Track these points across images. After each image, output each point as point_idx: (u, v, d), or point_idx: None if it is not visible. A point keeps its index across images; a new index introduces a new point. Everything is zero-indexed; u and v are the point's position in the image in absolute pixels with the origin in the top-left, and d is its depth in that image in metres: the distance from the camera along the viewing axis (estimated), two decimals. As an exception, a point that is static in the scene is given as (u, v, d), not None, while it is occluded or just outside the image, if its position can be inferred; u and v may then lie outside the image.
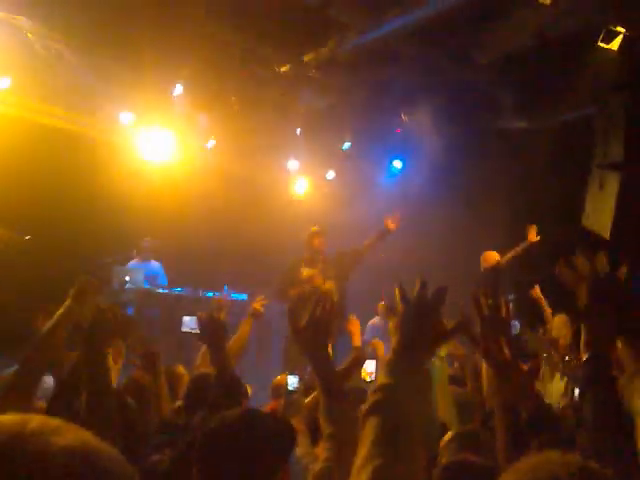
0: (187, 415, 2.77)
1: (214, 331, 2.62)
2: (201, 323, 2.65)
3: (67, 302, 2.23)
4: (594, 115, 6.40)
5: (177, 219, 7.80)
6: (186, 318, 3.65)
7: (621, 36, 5.19)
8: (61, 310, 2.21)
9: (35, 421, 0.68)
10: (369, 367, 4.09)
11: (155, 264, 8.00)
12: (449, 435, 2.40)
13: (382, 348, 4.22)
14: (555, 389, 4.45)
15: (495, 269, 6.81)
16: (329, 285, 6.38)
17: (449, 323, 1.39)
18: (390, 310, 1.46)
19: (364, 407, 1.16)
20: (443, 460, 2.16)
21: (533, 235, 6.68)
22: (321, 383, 1.87)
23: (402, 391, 1.15)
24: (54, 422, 0.70)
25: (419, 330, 1.30)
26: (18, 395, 2.05)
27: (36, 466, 0.64)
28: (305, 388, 3.64)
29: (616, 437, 1.80)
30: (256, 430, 2.05)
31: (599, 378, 1.89)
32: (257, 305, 4.15)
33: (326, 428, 1.79)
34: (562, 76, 6.75)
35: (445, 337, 1.38)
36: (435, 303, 1.35)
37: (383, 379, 1.19)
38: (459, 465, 1.94)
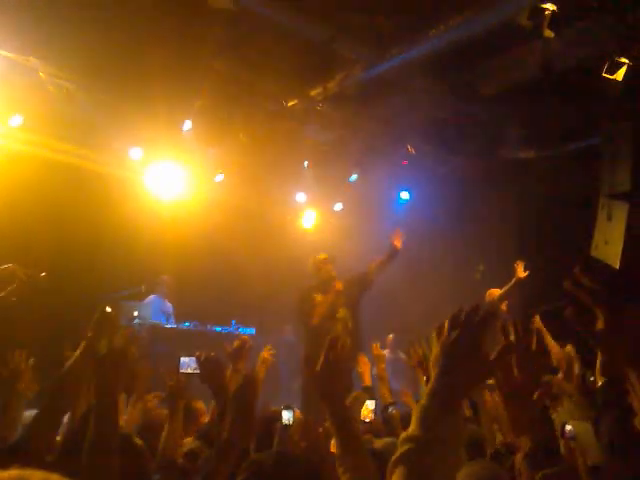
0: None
1: (214, 372, 2.57)
2: (200, 364, 2.60)
3: (88, 335, 2.23)
4: (600, 145, 6.42)
5: (185, 253, 7.82)
6: (184, 359, 3.58)
7: (625, 67, 5.22)
8: (83, 344, 2.22)
9: (36, 476, 0.69)
10: (370, 405, 4.04)
11: (169, 305, 8.01)
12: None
13: (411, 400, 4.21)
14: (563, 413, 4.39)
15: (498, 302, 6.77)
16: (342, 312, 6.35)
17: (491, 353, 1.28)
18: (437, 334, 1.37)
19: (394, 457, 1.11)
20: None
21: (521, 271, 6.72)
22: (336, 428, 1.85)
23: (433, 443, 1.09)
24: (54, 477, 0.70)
25: (461, 365, 1.20)
26: (44, 429, 2.05)
27: None
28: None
29: (633, 461, 1.76)
30: (290, 473, 2.05)
31: (616, 402, 1.86)
32: (266, 354, 4.14)
33: (341, 474, 1.76)
34: (568, 106, 6.80)
35: (490, 369, 1.28)
36: (481, 330, 1.23)
37: (415, 429, 1.12)
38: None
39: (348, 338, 6.22)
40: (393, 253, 6.52)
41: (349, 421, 1.88)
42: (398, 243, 6.49)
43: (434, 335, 1.27)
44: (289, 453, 2.72)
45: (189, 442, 3.41)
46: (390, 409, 4.02)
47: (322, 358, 1.96)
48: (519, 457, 1.70)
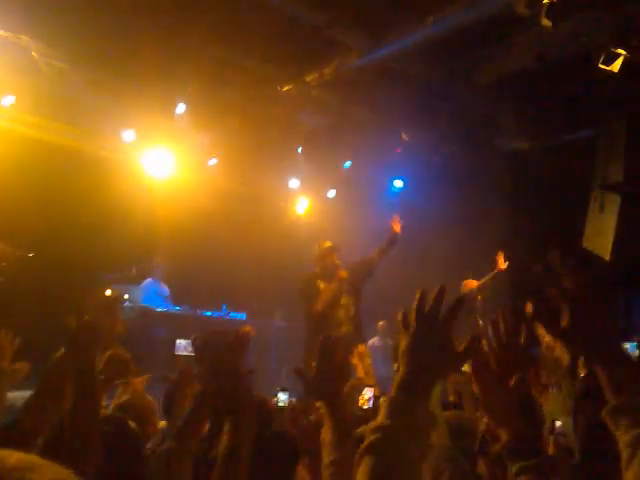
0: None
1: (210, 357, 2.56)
2: (196, 348, 2.59)
3: (86, 317, 2.21)
4: (595, 136, 6.44)
5: (177, 237, 7.80)
6: (179, 342, 3.57)
7: (622, 58, 5.22)
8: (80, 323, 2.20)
9: (14, 457, 0.68)
10: (367, 394, 4.05)
11: (164, 287, 8.01)
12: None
13: None
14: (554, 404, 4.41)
15: (475, 293, 6.81)
16: (345, 299, 6.38)
17: (460, 343, 1.27)
18: (403, 325, 1.34)
19: (362, 446, 1.11)
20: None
21: (502, 263, 6.80)
22: (334, 426, 1.85)
23: (402, 433, 1.09)
24: (32, 459, 0.70)
25: (428, 356, 1.20)
26: (36, 412, 2.05)
27: None
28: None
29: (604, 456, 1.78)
30: (263, 448, 2.06)
31: (592, 394, 1.86)
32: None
33: (328, 455, 1.77)
34: (563, 97, 6.80)
35: (457, 361, 1.28)
36: (448, 321, 1.23)
37: (383, 419, 1.12)
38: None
39: (350, 324, 6.27)
40: (393, 239, 6.55)
41: (344, 421, 1.88)
42: (397, 228, 6.51)
43: (400, 327, 1.26)
44: (284, 433, 2.74)
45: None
46: (381, 400, 4.03)
47: (317, 360, 1.95)
48: (497, 447, 1.70)
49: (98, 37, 5.90)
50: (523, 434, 1.71)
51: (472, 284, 6.97)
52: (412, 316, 1.25)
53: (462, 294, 6.61)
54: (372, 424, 1.13)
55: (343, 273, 6.23)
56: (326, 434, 1.85)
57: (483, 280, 6.93)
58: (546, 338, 5.07)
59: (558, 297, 1.33)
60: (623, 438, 1.17)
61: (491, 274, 6.92)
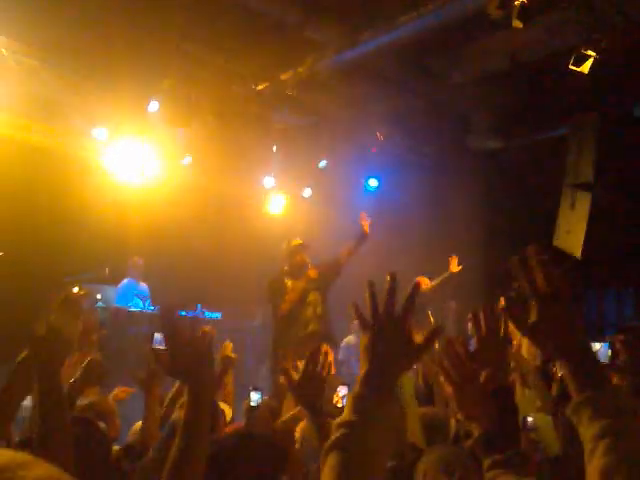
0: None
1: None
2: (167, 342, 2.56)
3: (51, 316, 2.17)
4: (566, 135, 6.52)
5: (150, 236, 7.73)
6: (157, 335, 3.58)
7: (591, 59, 5.30)
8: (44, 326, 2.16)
9: (5, 456, 0.69)
10: (341, 391, 4.06)
11: (143, 285, 7.94)
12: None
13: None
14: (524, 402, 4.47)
15: (421, 295, 6.85)
16: (313, 296, 6.37)
17: (419, 335, 1.28)
18: (360, 324, 1.37)
19: (327, 443, 1.12)
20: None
21: (454, 266, 6.92)
22: (317, 428, 1.94)
23: (367, 428, 1.10)
24: (24, 457, 0.70)
25: (389, 351, 1.22)
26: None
27: None
28: (272, 411, 3.63)
29: None
30: (253, 453, 2.07)
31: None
32: (229, 352, 4.08)
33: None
34: (535, 97, 6.88)
35: (418, 353, 1.30)
36: (405, 314, 1.26)
37: (348, 415, 1.14)
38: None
39: (318, 323, 6.26)
40: (362, 237, 6.56)
41: (327, 425, 1.92)
42: (366, 227, 6.53)
43: (360, 326, 1.28)
44: (255, 433, 2.73)
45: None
46: (347, 396, 4.04)
47: (303, 369, 2.04)
48: (470, 443, 1.71)
49: (69, 33, 5.82)
50: (495, 428, 1.72)
51: (425, 282, 7.04)
52: (368, 314, 1.27)
53: (412, 288, 6.64)
54: (337, 420, 1.14)
55: (312, 272, 6.23)
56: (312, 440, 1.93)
57: (435, 282, 7.01)
58: (517, 335, 5.13)
59: (528, 293, 1.34)
60: (586, 433, 1.18)
61: (444, 275, 7.01)
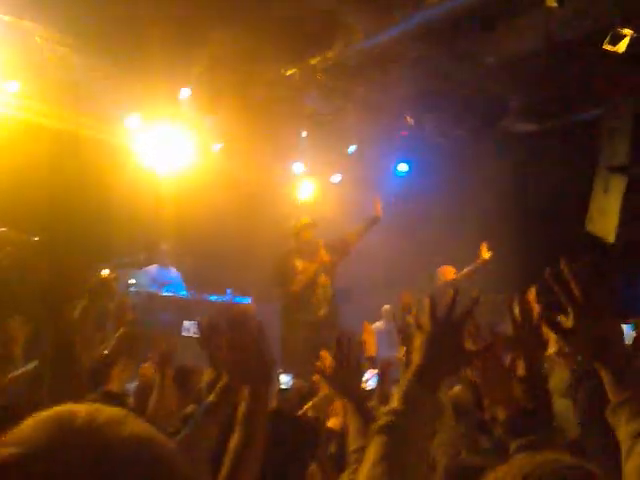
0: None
1: (212, 338, 2.58)
2: (201, 330, 2.60)
3: (83, 302, 2.23)
4: (601, 117, 6.38)
5: (181, 222, 7.82)
6: (187, 323, 3.66)
7: (628, 38, 5.16)
8: (78, 310, 2.22)
9: (105, 412, 0.73)
10: (366, 375, 4.07)
11: (173, 270, 8.01)
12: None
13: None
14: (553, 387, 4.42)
15: (452, 284, 6.76)
16: (322, 279, 6.35)
17: (473, 345, 1.40)
18: (417, 325, 1.42)
19: (374, 425, 1.20)
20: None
21: (485, 253, 6.80)
22: (357, 413, 1.94)
23: (412, 417, 1.18)
24: (120, 413, 0.74)
25: (444, 354, 1.30)
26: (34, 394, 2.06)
27: (108, 452, 0.69)
28: (301, 394, 3.66)
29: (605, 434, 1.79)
30: (285, 429, 2.10)
31: (591, 377, 1.89)
32: None
33: (354, 444, 1.85)
34: (570, 78, 6.73)
35: (468, 360, 1.40)
36: (463, 322, 1.34)
37: (397, 403, 1.21)
38: (459, 466, 1.93)
39: (327, 306, 6.24)
40: (374, 220, 6.53)
41: (366, 411, 1.95)
42: (379, 210, 6.49)
43: (417, 325, 1.36)
44: (285, 414, 2.77)
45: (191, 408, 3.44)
46: (395, 387, 4.03)
47: (333, 357, 2.05)
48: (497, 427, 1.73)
49: (102, 21, 5.88)
50: (521, 411, 1.72)
51: (450, 272, 6.94)
52: (425, 317, 1.35)
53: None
54: (386, 407, 1.23)
55: (325, 255, 6.20)
56: (350, 424, 1.93)
57: (466, 270, 6.91)
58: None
59: (564, 301, 1.37)
60: (623, 432, 1.21)
61: (476, 263, 6.89)
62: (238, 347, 1.82)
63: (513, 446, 1.66)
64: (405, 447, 1.14)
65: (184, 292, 7.75)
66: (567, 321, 1.36)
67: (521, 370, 2.01)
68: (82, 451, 0.68)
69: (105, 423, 0.71)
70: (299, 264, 6.25)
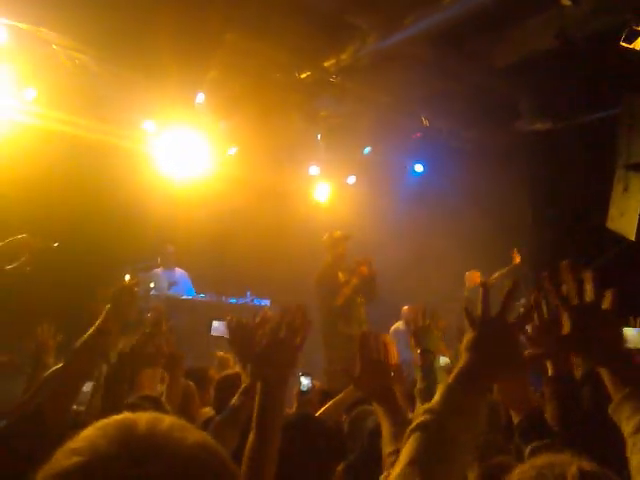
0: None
1: (243, 337, 2.59)
2: (230, 329, 2.62)
3: (107, 308, 2.26)
4: (617, 116, 6.32)
5: (199, 225, 7.87)
6: (215, 323, 3.71)
7: (644, 35, 5.11)
8: (101, 317, 2.23)
9: (166, 419, 0.76)
10: None
11: (179, 272, 8.05)
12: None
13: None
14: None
15: (483, 287, 6.73)
16: (360, 299, 6.36)
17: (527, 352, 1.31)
18: (468, 321, 1.35)
19: (412, 423, 1.15)
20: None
21: (516, 258, 6.89)
22: (389, 414, 1.89)
23: (451, 418, 1.13)
24: (180, 421, 0.77)
25: (494, 356, 1.22)
26: (61, 398, 2.08)
27: (176, 459, 0.71)
28: (322, 395, 3.67)
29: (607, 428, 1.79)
30: (311, 432, 2.08)
31: (592, 380, 1.89)
32: None
33: (390, 447, 1.81)
34: (584, 76, 6.69)
35: (521, 366, 1.31)
36: (519, 325, 1.27)
37: (436, 403, 1.16)
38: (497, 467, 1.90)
39: (367, 324, 6.25)
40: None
41: (398, 413, 1.91)
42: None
43: (468, 323, 1.28)
44: (310, 414, 2.78)
45: (207, 412, 3.47)
46: (438, 386, 4.02)
47: (359, 358, 1.98)
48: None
49: (117, 28, 5.94)
50: (535, 415, 1.72)
51: (476, 277, 6.97)
52: (478, 314, 1.27)
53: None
54: (425, 406, 1.17)
55: (365, 269, 6.17)
56: (383, 428, 1.87)
57: (498, 274, 6.94)
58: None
59: (560, 305, 1.38)
60: (627, 428, 1.22)
61: (508, 268, 6.95)
62: (275, 344, 1.80)
63: (527, 450, 1.65)
64: (442, 447, 1.09)
65: (202, 295, 7.80)
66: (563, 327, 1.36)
67: (550, 370, 2.00)
68: (145, 459, 0.69)
69: (168, 430, 0.73)
70: (341, 276, 6.27)
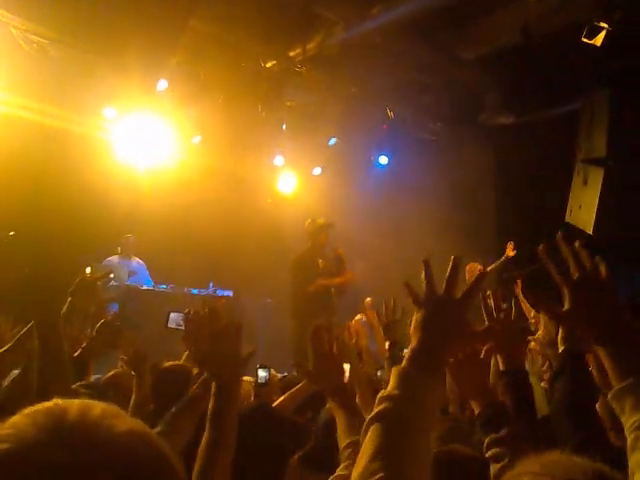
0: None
1: (199, 329, 2.54)
2: (186, 321, 2.57)
3: (69, 299, 2.22)
4: (579, 110, 6.44)
5: (161, 215, 7.75)
6: (173, 314, 3.65)
7: (604, 32, 5.20)
8: (64, 308, 2.19)
9: (98, 407, 0.73)
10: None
11: (136, 262, 7.93)
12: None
13: None
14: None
15: (482, 278, 6.83)
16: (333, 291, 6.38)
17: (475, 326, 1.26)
18: (414, 301, 1.28)
19: (370, 414, 1.10)
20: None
21: (510, 250, 6.97)
22: (342, 408, 1.86)
23: (410, 403, 1.08)
24: (114, 408, 0.75)
25: (441, 331, 1.17)
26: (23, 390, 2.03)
27: (104, 447, 0.68)
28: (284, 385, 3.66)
29: (580, 422, 1.80)
30: (266, 423, 2.06)
31: (569, 369, 1.90)
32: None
33: (345, 440, 1.77)
34: (548, 71, 6.78)
35: (471, 339, 1.28)
36: (467, 298, 1.21)
37: (392, 388, 1.11)
38: (448, 455, 1.90)
39: (335, 314, 6.28)
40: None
41: (351, 407, 1.88)
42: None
43: (414, 304, 1.24)
44: (268, 405, 2.76)
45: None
46: (391, 370, 4.04)
47: (311, 351, 1.94)
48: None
49: (78, 12, 5.79)
50: (494, 405, 1.73)
51: (475, 269, 7.04)
52: (423, 292, 1.22)
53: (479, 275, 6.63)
54: (381, 393, 1.12)
55: (339, 251, 6.21)
56: (337, 422, 1.84)
57: (492, 266, 7.03)
58: (532, 313, 5.11)
59: (559, 281, 1.32)
60: (628, 422, 1.16)
61: (501, 260, 7.04)
62: (215, 337, 1.79)
63: (487, 440, 1.66)
64: (405, 436, 1.04)
65: (164, 286, 7.70)
66: (564, 303, 1.31)
67: (501, 364, 2.02)
68: (76, 446, 0.67)
69: (99, 418, 0.71)
70: (321, 263, 6.27)
